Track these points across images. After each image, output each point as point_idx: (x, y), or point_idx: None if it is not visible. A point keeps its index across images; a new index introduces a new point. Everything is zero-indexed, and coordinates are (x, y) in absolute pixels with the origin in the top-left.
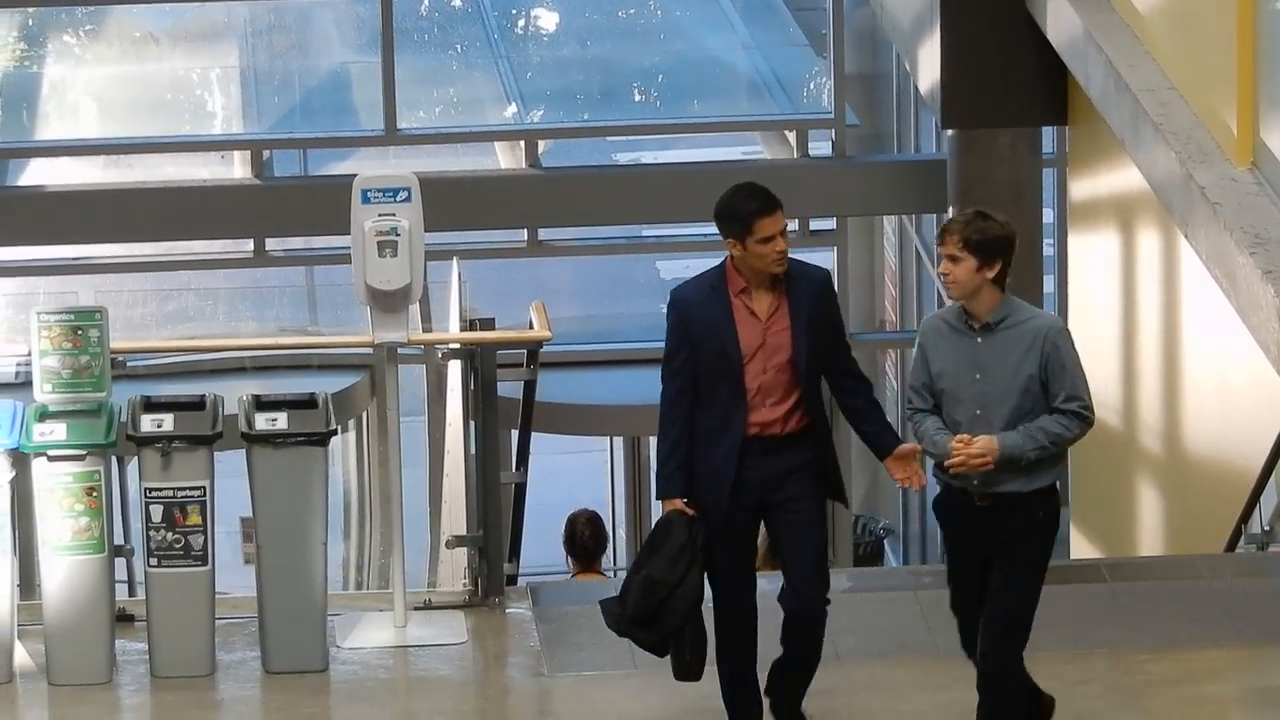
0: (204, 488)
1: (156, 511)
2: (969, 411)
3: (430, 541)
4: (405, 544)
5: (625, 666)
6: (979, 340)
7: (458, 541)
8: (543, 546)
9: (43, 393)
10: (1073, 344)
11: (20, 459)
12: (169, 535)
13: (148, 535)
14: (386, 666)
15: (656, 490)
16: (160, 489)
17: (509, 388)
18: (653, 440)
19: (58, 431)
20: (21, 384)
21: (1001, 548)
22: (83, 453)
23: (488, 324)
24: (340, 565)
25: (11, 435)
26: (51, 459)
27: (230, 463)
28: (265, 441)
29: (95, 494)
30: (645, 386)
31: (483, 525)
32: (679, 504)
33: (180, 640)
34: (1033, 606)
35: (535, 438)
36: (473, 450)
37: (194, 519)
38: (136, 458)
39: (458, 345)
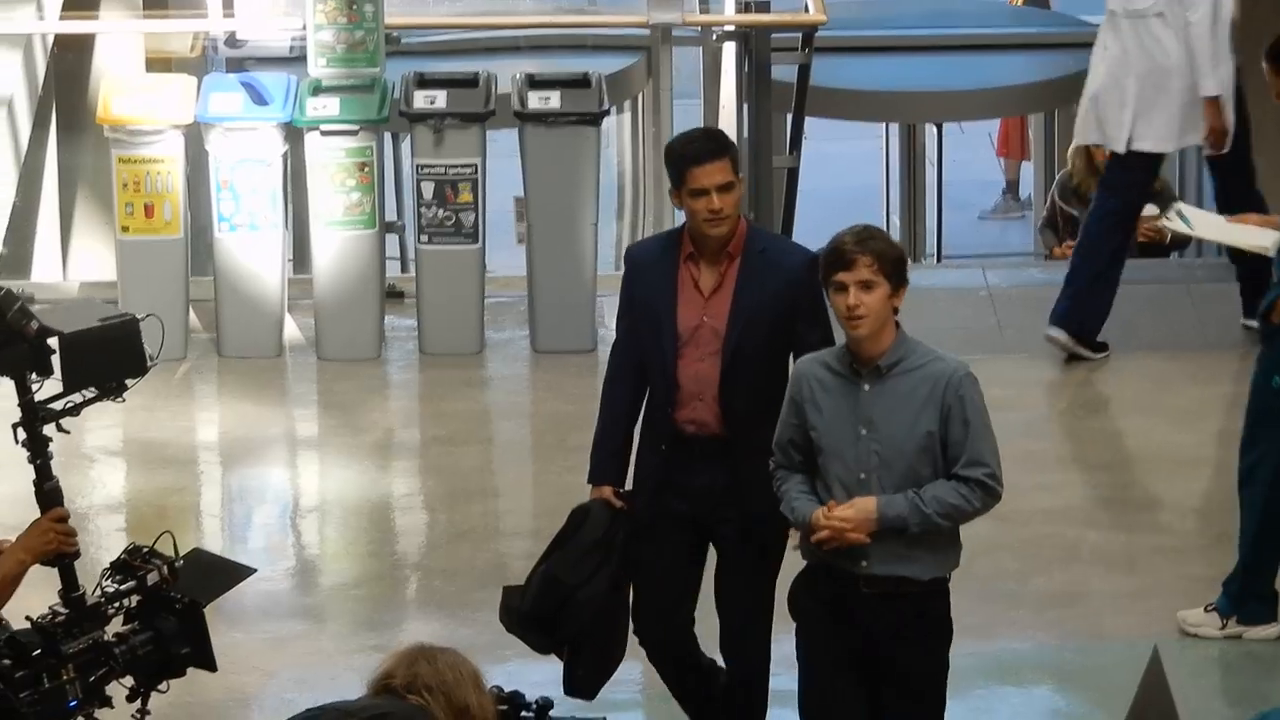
0: (475, 165)
1: (428, 188)
2: (853, 475)
3: None
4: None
5: None
6: (866, 388)
7: None
8: (814, 232)
9: (317, 67)
10: (980, 395)
11: (293, 133)
12: (440, 212)
13: (419, 212)
14: None
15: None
16: (432, 166)
17: (783, 71)
18: (929, 128)
19: (331, 106)
20: (295, 59)
21: (889, 659)
22: (355, 128)
23: (763, 6)
24: (611, 246)
25: (285, 109)
26: (324, 134)
27: (504, 142)
28: (538, 120)
29: (367, 169)
30: (922, 73)
31: (754, 209)
32: (607, 492)
33: (449, 318)
34: None
35: (809, 122)
36: (746, 134)
37: (465, 196)
38: (409, 134)
39: (732, 27)
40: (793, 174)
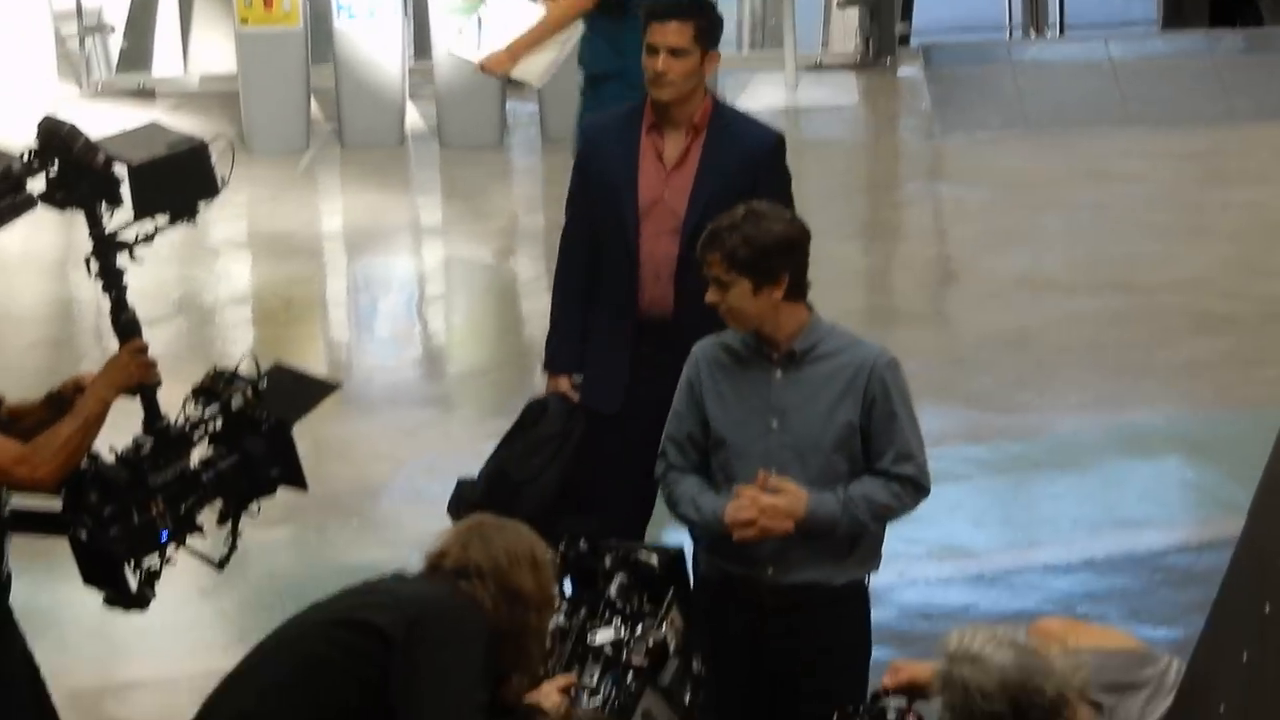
0: None
1: None
2: (760, 473)
3: (822, 1)
4: (796, 3)
5: (1017, 126)
6: (778, 375)
7: (848, 1)
8: (936, 6)
9: None
10: (905, 382)
11: None
12: None
13: None
14: (777, 127)
15: (544, 360)
16: None
17: None
18: None
19: None
20: None
21: (796, 675)
22: None
23: None
24: (734, 25)
25: None
26: None
27: None
28: None
29: None
30: None
31: None
32: (565, 385)
33: (571, 102)
34: None
35: None
36: None
37: None
38: None
39: None
40: None
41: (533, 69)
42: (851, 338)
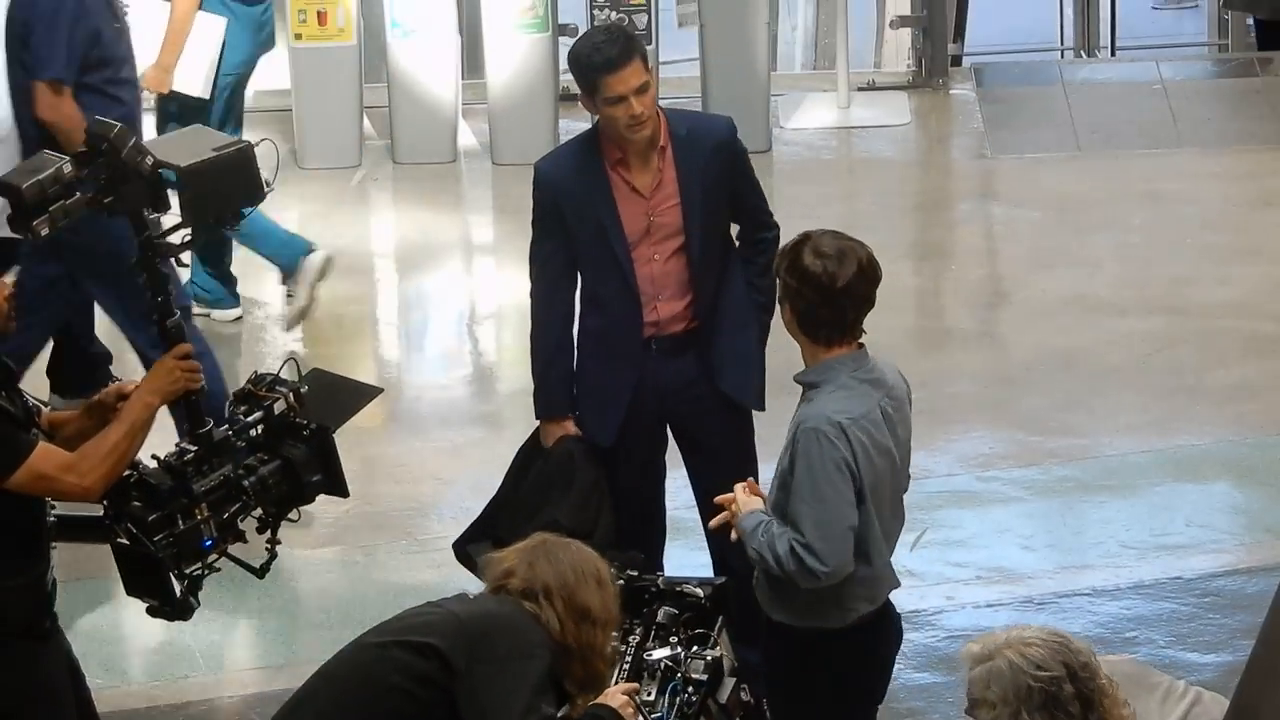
0: None
1: None
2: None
3: (875, 21)
4: (850, 24)
5: (1069, 149)
6: (800, 405)
7: (902, 22)
8: (989, 25)
9: None
10: (823, 456)
11: None
12: (612, 15)
13: (591, 15)
14: (829, 147)
15: (536, 408)
16: None
17: None
18: None
19: None
20: None
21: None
22: None
23: None
24: (788, 45)
25: None
26: None
27: None
28: None
29: None
30: None
31: (927, 4)
32: (571, 427)
33: None
34: None
35: None
36: None
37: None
38: None
39: None
40: None
41: (194, 79)
42: (827, 393)
